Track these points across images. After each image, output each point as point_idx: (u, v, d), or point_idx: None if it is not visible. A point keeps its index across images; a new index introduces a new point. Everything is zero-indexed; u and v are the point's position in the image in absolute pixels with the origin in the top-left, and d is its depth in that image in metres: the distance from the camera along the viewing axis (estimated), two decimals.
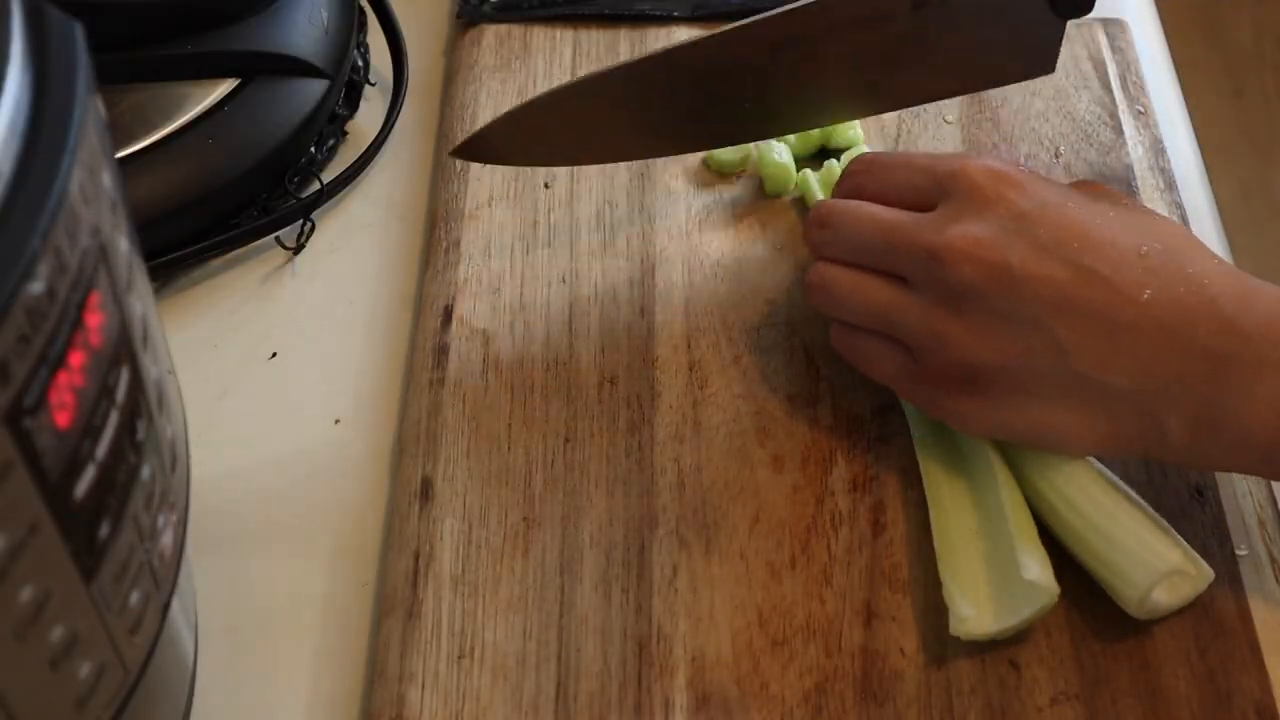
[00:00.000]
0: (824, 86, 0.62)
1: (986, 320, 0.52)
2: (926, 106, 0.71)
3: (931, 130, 0.70)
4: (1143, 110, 0.70)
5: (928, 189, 0.55)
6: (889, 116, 0.70)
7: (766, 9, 0.74)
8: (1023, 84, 0.71)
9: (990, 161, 0.55)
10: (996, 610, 0.53)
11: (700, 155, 0.68)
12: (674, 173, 0.68)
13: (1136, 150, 0.69)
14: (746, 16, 0.74)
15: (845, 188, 0.59)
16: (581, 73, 0.72)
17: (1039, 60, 0.62)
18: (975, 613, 0.53)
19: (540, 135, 0.62)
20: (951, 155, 0.56)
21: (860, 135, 0.68)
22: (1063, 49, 0.72)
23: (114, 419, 0.37)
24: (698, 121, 0.62)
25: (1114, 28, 0.73)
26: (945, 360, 0.54)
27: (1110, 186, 0.57)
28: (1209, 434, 0.50)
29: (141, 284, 0.40)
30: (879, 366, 0.57)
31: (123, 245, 0.38)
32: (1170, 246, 0.52)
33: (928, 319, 0.54)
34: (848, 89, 0.62)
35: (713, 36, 0.59)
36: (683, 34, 0.74)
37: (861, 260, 0.56)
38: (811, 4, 0.58)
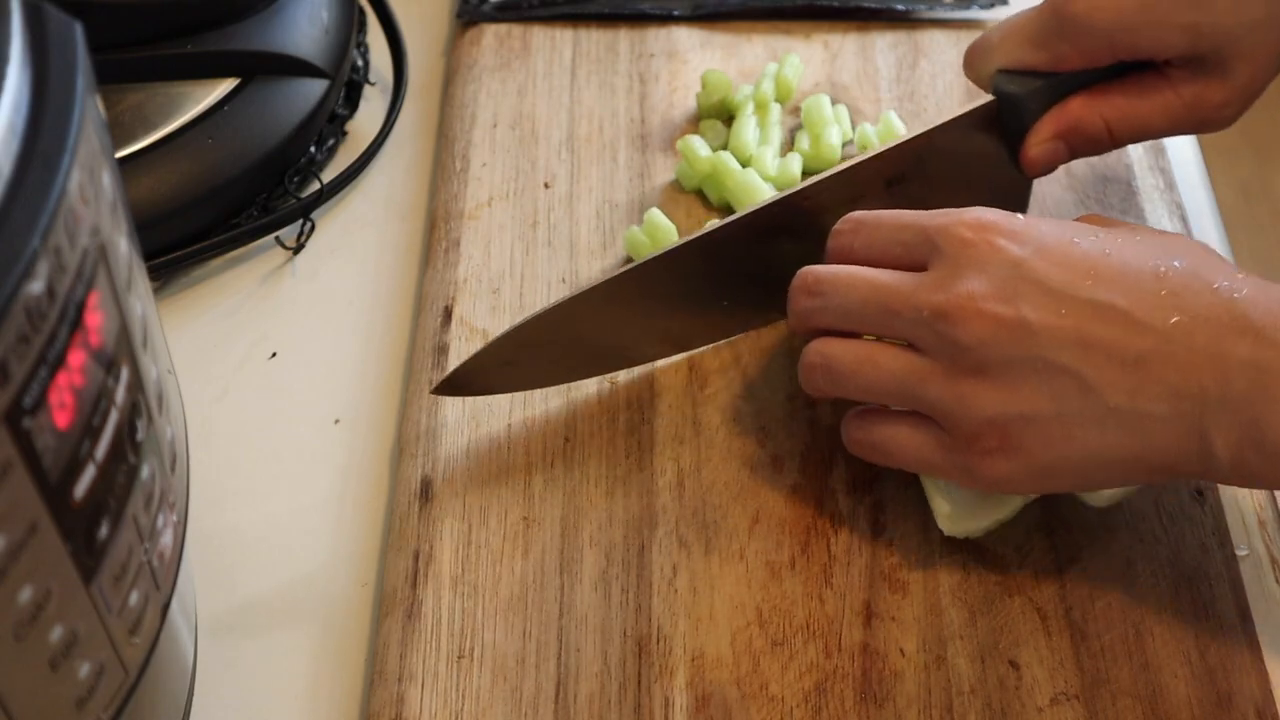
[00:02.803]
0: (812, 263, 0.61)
1: (1010, 373, 0.50)
2: (926, 107, 0.71)
3: None
4: None
5: (918, 245, 0.53)
6: None
7: (762, 10, 0.74)
8: None
9: (979, 214, 0.52)
10: (974, 508, 0.55)
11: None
12: (674, 173, 0.68)
13: (1136, 150, 0.69)
14: (744, 17, 0.75)
15: (832, 249, 0.56)
16: (581, 72, 0.72)
17: (1012, 209, 0.63)
18: (953, 510, 0.55)
19: (532, 362, 0.59)
20: (940, 211, 0.54)
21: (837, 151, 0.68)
22: None
23: (114, 419, 0.37)
24: (694, 316, 0.61)
25: None
26: (976, 422, 0.51)
27: (1117, 218, 0.56)
28: (1255, 451, 0.49)
29: (141, 284, 0.40)
30: (906, 450, 0.54)
31: (123, 245, 0.38)
32: (1191, 264, 0.51)
33: (950, 382, 0.51)
34: None
35: (698, 237, 0.58)
36: (683, 33, 0.74)
37: (858, 327, 0.54)
38: (793, 193, 0.59)
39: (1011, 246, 0.51)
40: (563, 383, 0.60)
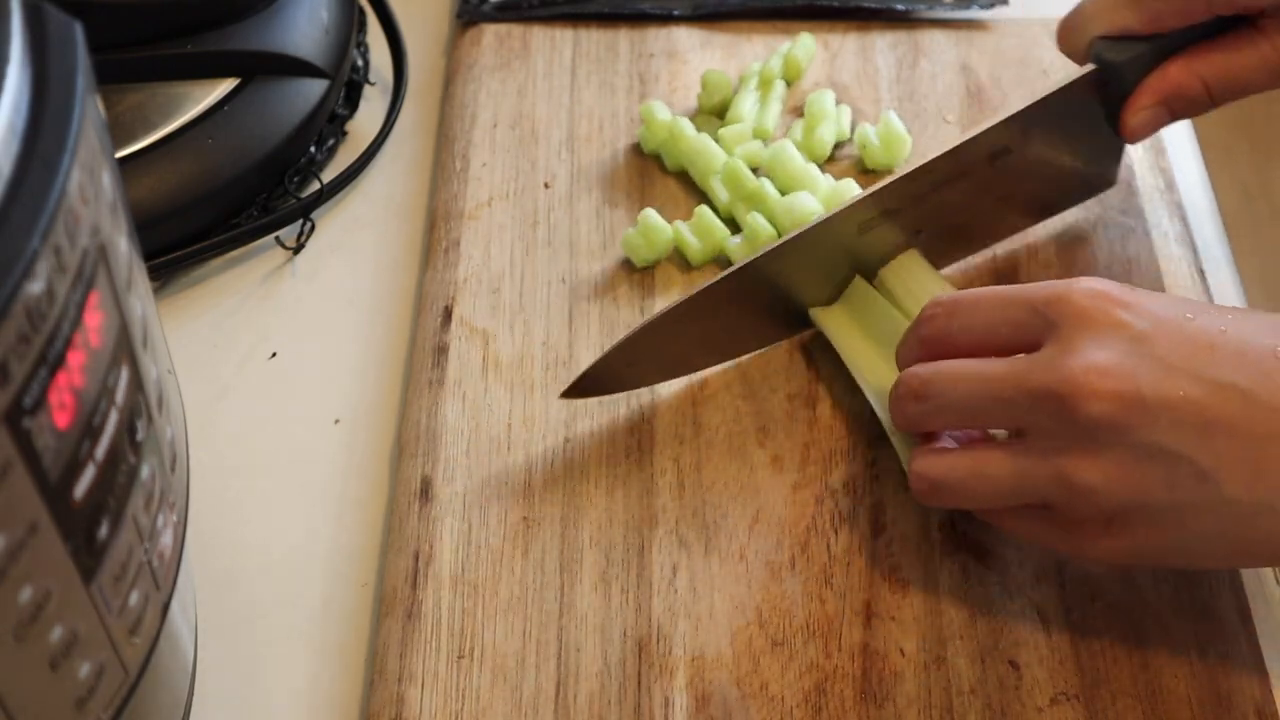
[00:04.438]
0: (927, 242, 0.62)
1: (1122, 457, 0.48)
2: (926, 107, 0.71)
3: (931, 130, 0.70)
4: None
5: (1026, 322, 0.50)
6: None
7: (762, 10, 0.74)
8: (1022, 84, 0.72)
9: (1093, 283, 0.50)
10: None
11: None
12: (672, 173, 0.68)
13: (1136, 150, 0.69)
14: (745, 16, 0.74)
15: (926, 334, 0.53)
16: (581, 72, 0.72)
17: (1103, 176, 0.63)
18: None
19: (648, 360, 0.59)
20: (1046, 283, 0.51)
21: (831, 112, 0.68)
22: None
23: (114, 419, 0.37)
24: (795, 304, 0.61)
25: None
26: (1084, 510, 0.50)
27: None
28: None
29: (141, 284, 0.40)
30: (1029, 533, 0.53)
31: (123, 245, 0.38)
32: None
33: (1059, 474, 0.49)
34: (942, 241, 0.63)
35: (807, 230, 0.58)
36: (682, 33, 0.74)
37: (971, 425, 0.52)
38: (901, 176, 0.58)
39: (1130, 318, 0.49)
40: (683, 375, 0.60)
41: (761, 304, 0.60)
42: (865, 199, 0.59)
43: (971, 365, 0.51)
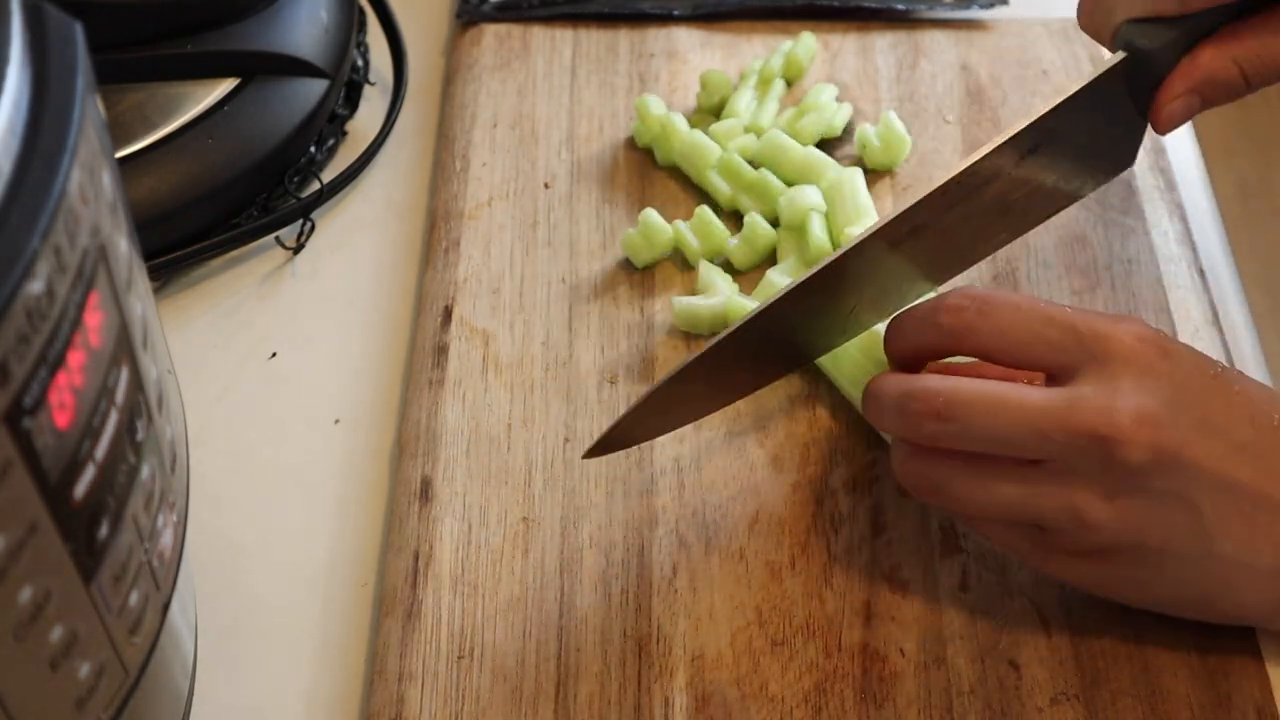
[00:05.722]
0: (936, 258, 0.58)
1: (1137, 500, 0.48)
2: (926, 107, 0.71)
3: (932, 130, 0.70)
4: None
5: (1070, 349, 0.49)
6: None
7: (762, 10, 0.74)
8: (1022, 84, 0.72)
9: (1140, 327, 0.50)
10: None
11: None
12: (672, 173, 0.68)
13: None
14: (744, 16, 0.74)
15: (949, 324, 0.51)
16: (581, 72, 0.72)
17: (1124, 157, 0.61)
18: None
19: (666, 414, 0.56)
20: (1095, 314, 0.50)
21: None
22: (1063, 48, 0.72)
23: (114, 419, 0.37)
24: (813, 335, 0.58)
25: None
26: (1081, 541, 0.50)
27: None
28: None
29: (141, 284, 0.40)
30: (1005, 542, 0.52)
31: (123, 245, 0.38)
32: None
33: (1070, 506, 0.49)
34: (948, 257, 0.59)
35: (828, 265, 0.53)
36: (683, 33, 0.74)
37: (1001, 452, 0.49)
38: (932, 193, 0.54)
39: (1173, 370, 0.49)
40: (704, 416, 0.58)
41: (774, 350, 0.57)
42: (905, 212, 0.54)
43: (1004, 391, 0.49)
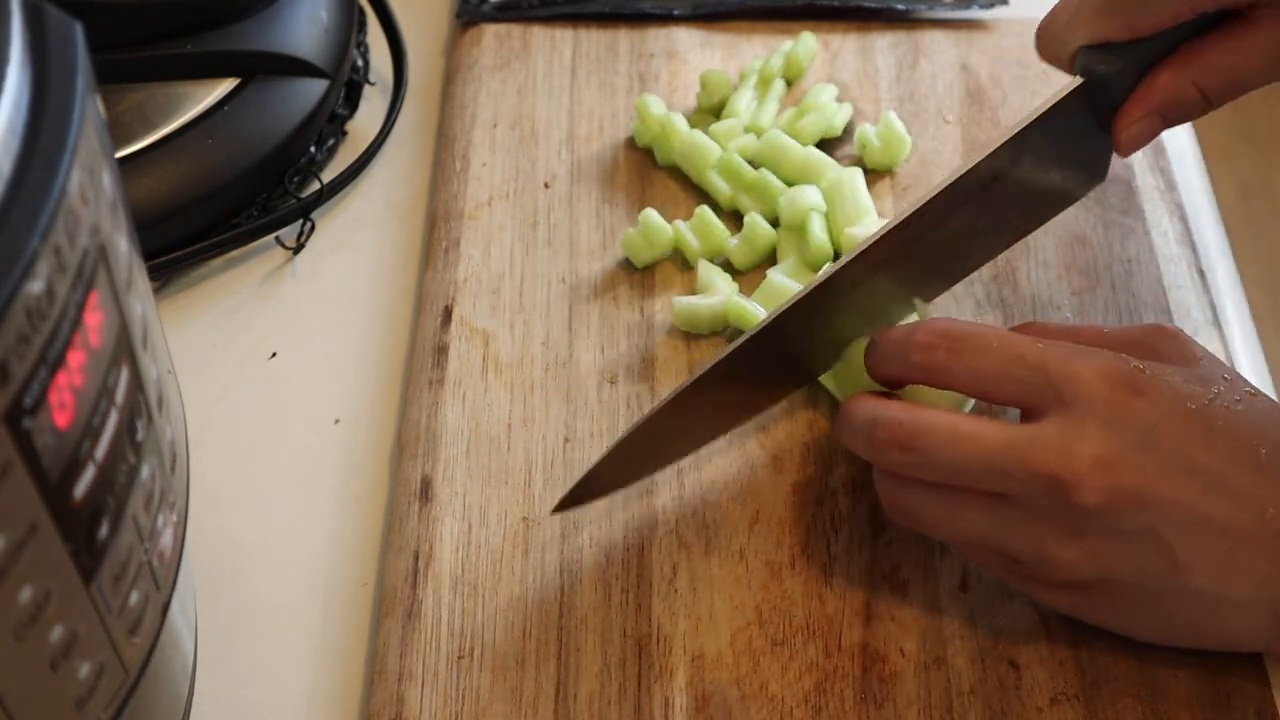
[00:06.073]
0: (913, 282, 0.59)
1: (1103, 539, 0.49)
2: (926, 107, 0.71)
3: (932, 130, 0.70)
4: None
5: (1037, 389, 0.49)
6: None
7: (762, 10, 0.74)
8: (1023, 84, 0.72)
9: (1109, 363, 0.49)
10: None
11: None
12: (672, 173, 0.68)
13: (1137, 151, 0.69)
14: (744, 16, 0.74)
15: (919, 362, 0.52)
16: (581, 72, 0.72)
17: (1094, 173, 0.60)
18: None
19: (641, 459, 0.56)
20: (1070, 350, 0.50)
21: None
22: None
23: (114, 419, 0.37)
24: (787, 370, 0.58)
25: None
26: (1051, 575, 0.50)
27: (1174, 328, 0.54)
28: None
29: (141, 284, 0.40)
30: (988, 565, 0.53)
31: (123, 245, 0.38)
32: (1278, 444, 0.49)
33: (1038, 542, 0.49)
34: (922, 281, 0.59)
35: (807, 294, 0.54)
36: (683, 33, 0.74)
37: (959, 484, 0.50)
38: (899, 221, 0.54)
39: (1142, 407, 0.49)
40: (678, 460, 0.58)
41: (762, 376, 0.58)
42: (878, 241, 0.55)
43: (966, 426, 0.49)
